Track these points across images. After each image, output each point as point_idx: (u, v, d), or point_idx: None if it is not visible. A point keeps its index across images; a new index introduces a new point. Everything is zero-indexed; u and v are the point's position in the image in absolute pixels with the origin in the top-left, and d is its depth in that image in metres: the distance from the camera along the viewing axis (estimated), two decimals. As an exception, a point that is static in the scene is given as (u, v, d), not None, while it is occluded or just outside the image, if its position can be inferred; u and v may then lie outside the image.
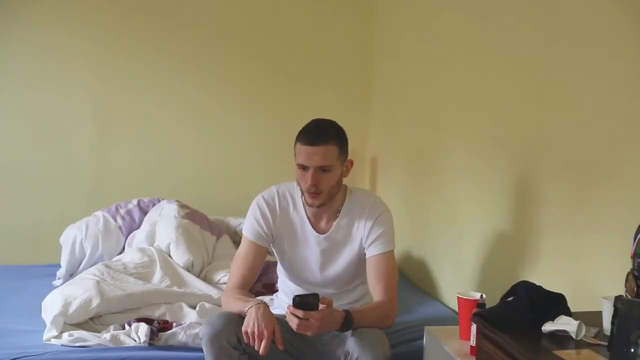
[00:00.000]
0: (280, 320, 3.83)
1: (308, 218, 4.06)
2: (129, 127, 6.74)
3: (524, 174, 4.40)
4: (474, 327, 3.60)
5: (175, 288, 4.81)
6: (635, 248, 2.93)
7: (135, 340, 4.29)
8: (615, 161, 3.62)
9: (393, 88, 6.52)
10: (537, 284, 3.50)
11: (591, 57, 3.85)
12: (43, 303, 4.54)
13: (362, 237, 3.93)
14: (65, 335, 4.27)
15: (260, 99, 7.22)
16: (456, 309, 4.26)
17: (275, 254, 4.22)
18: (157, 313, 4.55)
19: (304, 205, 4.04)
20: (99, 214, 5.55)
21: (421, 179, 5.81)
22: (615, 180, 3.63)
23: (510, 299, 3.44)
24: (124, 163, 6.66)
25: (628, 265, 2.98)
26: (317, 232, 4.04)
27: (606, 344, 2.93)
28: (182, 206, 5.51)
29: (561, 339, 3.14)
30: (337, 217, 3.99)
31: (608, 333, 2.96)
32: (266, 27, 7.18)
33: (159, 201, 5.68)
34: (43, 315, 4.44)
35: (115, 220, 5.55)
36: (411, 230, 5.87)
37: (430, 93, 5.61)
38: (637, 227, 2.97)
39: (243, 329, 3.69)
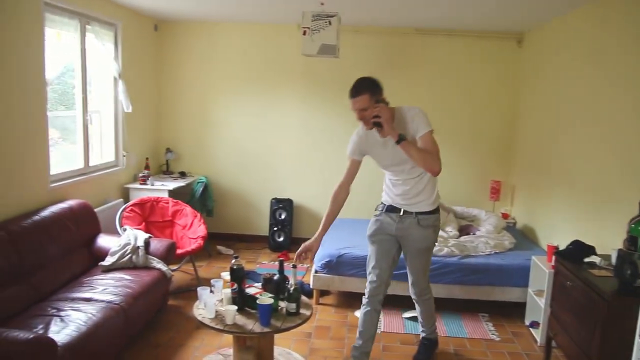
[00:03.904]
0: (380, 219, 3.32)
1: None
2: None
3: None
4: (553, 258, 3.65)
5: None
6: (628, 230, 2.99)
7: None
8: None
9: (534, 141, 5.26)
10: (582, 241, 3.49)
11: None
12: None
13: (410, 130, 3.00)
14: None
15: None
16: (545, 249, 4.24)
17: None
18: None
19: None
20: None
21: (542, 193, 4.98)
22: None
23: (570, 247, 3.48)
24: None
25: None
26: (381, 137, 3.12)
27: (613, 268, 3.03)
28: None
29: (592, 265, 3.23)
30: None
31: (614, 263, 3.03)
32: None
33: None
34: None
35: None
36: (532, 216, 5.19)
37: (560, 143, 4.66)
38: (628, 220, 3.02)
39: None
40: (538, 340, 3.95)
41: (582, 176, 4.21)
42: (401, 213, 3.24)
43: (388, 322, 4.21)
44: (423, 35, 5.80)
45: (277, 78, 6.03)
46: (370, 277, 3.30)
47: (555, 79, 4.86)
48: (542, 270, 3.97)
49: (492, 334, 4.07)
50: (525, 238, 5.13)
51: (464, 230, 5.06)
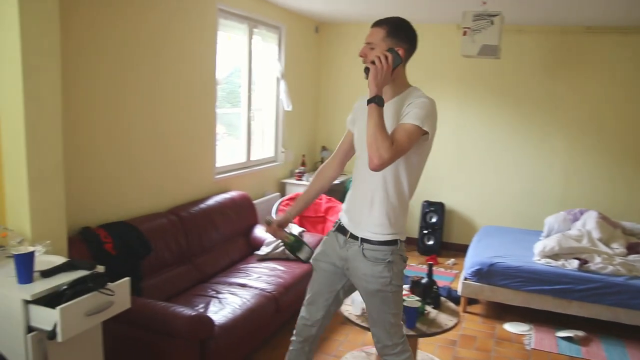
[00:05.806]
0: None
1: None
2: (584, 168, 5.58)
3: None
4: None
5: (590, 246, 4.39)
6: None
7: (571, 267, 4.13)
8: None
9: None
10: None
11: None
12: (534, 246, 4.50)
13: (399, 112, 2.19)
14: (543, 260, 4.29)
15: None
16: None
17: None
18: (583, 256, 4.25)
19: None
20: (562, 213, 5.08)
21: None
22: None
23: None
24: (579, 190, 5.59)
25: None
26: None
27: None
28: (599, 213, 4.88)
29: None
30: (393, 99, 2.25)
31: None
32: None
33: (587, 210, 5.02)
34: (535, 251, 4.39)
35: (569, 215, 5.04)
36: None
37: None
38: None
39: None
40: None
41: None
42: (347, 236, 2.35)
43: (539, 340, 3.97)
44: (594, 33, 5.39)
45: (432, 80, 5.95)
46: (302, 311, 2.60)
47: None
48: None
49: (662, 367, 3.70)
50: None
51: (632, 249, 4.64)
